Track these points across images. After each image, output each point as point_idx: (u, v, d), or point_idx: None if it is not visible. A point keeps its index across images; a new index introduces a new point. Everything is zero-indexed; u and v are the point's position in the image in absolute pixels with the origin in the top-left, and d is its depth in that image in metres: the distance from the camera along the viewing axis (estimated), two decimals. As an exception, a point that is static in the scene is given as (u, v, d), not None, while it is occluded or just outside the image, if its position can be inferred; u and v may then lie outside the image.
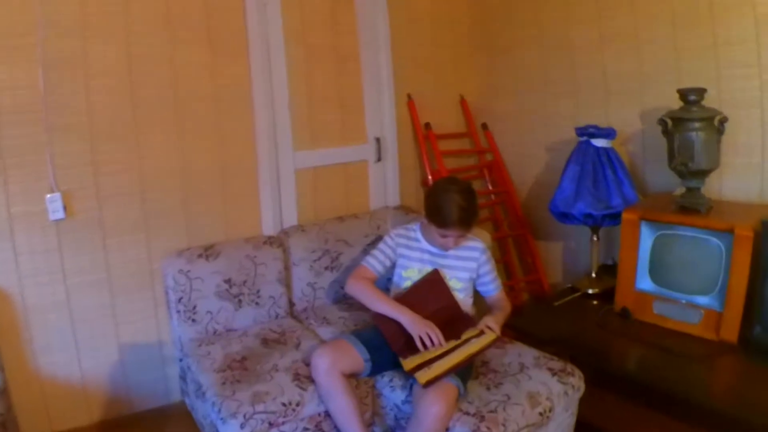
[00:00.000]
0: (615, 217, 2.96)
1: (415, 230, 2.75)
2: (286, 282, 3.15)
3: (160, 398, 3.12)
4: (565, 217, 3.10)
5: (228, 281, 2.96)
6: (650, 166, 3.19)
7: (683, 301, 2.64)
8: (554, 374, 2.52)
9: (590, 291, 3.16)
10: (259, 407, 2.38)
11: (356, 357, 2.50)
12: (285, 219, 3.31)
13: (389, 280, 2.83)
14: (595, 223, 3.05)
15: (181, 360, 2.94)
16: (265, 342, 2.85)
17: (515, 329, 2.97)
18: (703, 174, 2.66)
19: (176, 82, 2.93)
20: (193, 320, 2.90)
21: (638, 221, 2.72)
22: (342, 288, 3.22)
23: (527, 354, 2.68)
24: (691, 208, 2.65)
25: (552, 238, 3.82)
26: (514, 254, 4.08)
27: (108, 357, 2.95)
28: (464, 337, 2.46)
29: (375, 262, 2.72)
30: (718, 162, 2.66)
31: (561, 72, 3.57)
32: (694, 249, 2.59)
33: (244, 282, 3.00)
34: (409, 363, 2.39)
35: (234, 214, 3.16)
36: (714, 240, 2.52)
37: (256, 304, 3.05)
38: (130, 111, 2.84)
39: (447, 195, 2.50)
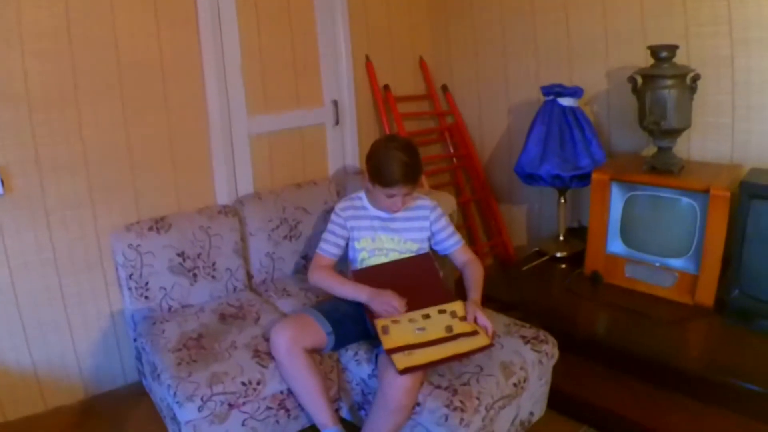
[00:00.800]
0: (583, 179, 2.88)
1: (360, 198, 2.65)
2: (244, 253, 3.01)
3: (117, 380, 2.97)
4: (531, 179, 3.02)
5: (181, 255, 2.80)
6: (616, 127, 3.13)
7: (656, 264, 2.59)
8: (527, 342, 2.44)
9: (558, 254, 3.10)
10: (218, 388, 2.27)
11: (318, 331, 2.39)
12: (240, 187, 3.16)
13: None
14: (563, 185, 2.97)
15: (135, 340, 2.78)
16: (222, 318, 2.72)
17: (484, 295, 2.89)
18: (675, 133, 2.59)
19: (119, 46, 2.71)
20: (146, 297, 2.75)
21: (608, 182, 2.65)
22: (302, 258, 3.12)
23: (497, 321, 2.58)
24: (663, 168, 2.59)
25: (515, 201, 3.75)
26: (477, 219, 4.01)
27: (59, 340, 2.78)
28: (456, 331, 2.29)
29: (329, 246, 2.61)
30: (690, 121, 2.59)
31: (522, 32, 3.47)
32: (667, 210, 2.53)
33: (199, 255, 2.85)
34: (389, 340, 2.24)
35: (186, 184, 2.99)
36: (688, 201, 2.46)
37: (213, 277, 2.90)
38: (71, 78, 2.62)
39: (388, 153, 2.40)
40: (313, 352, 2.42)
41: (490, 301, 2.81)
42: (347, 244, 2.64)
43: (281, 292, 2.94)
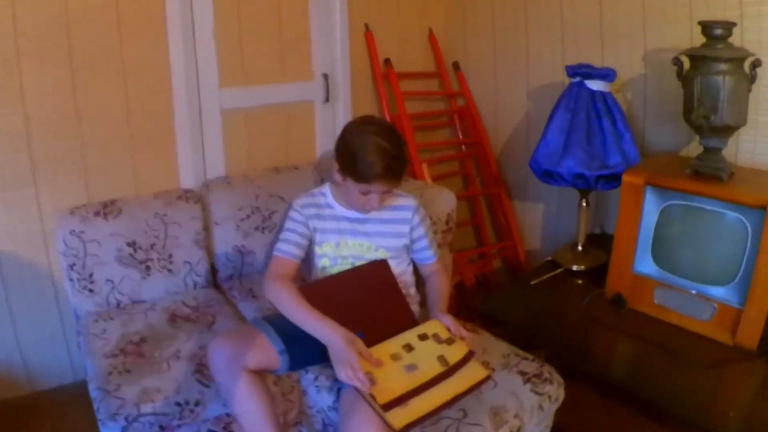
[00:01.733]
0: (612, 180, 2.41)
1: (324, 194, 2.18)
2: (207, 245, 2.62)
3: (65, 376, 2.68)
4: (549, 176, 2.55)
5: (132, 244, 2.42)
6: (652, 120, 2.67)
7: (692, 292, 2.13)
8: (527, 381, 2.01)
9: (575, 268, 2.65)
10: (146, 408, 1.92)
11: (267, 349, 1.95)
12: (210, 170, 2.76)
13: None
14: (586, 186, 2.50)
15: (79, 335, 2.42)
16: (172, 319, 2.36)
17: (480, 313, 2.46)
18: (727, 131, 2.11)
19: (66, 2, 2.33)
20: (91, 290, 2.38)
21: (643, 187, 2.17)
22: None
23: (494, 349, 2.17)
24: (710, 174, 2.11)
25: (530, 199, 3.31)
26: (486, 216, 3.57)
27: (1, 334, 2.50)
28: (451, 360, 1.86)
29: (289, 247, 2.11)
30: (745, 117, 2.11)
31: (548, 5, 3.01)
32: (712, 227, 2.07)
33: (152, 245, 2.46)
34: (380, 391, 1.75)
35: (145, 163, 2.60)
36: (737, 217, 2.00)
37: (169, 271, 2.51)
38: (11, 39, 2.26)
39: (366, 139, 1.92)
40: (262, 374, 2.01)
41: (490, 321, 2.40)
42: (308, 247, 2.18)
43: (246, 293, 2.57)
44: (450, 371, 1.82)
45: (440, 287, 2.15)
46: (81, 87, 2.40)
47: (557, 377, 2.06)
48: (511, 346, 2.18)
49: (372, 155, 1.89)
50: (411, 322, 2.01)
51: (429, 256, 2.21)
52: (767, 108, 2.26)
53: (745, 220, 1.97)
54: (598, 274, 2.50)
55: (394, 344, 1.91)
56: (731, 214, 2.01)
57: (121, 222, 2.40)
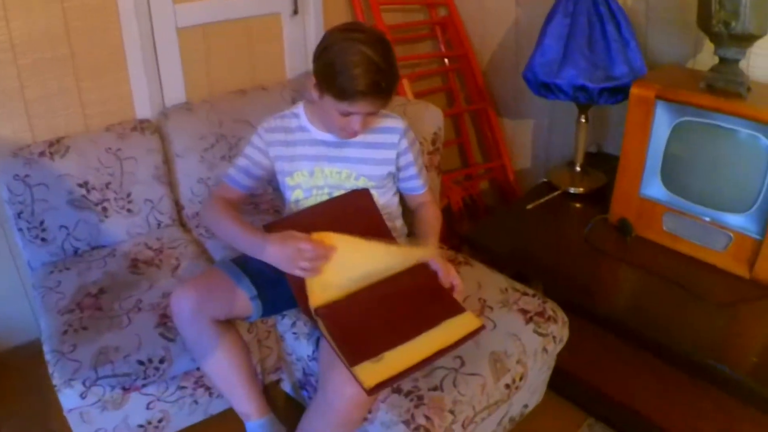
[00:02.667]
0: (617, 93, 2.16)
1: (296, 115, 1.89)
2: (169, 180, 2.38)
3: (29, 333, 2.48)
4: (546, 89, 2.29)
5: (84, 185, 2.18)
6: (656, 28, 2.38)
7: (706, 219, 1.92)
8: (529, 320, 1.84)
9: (573, 190, 2.43)
10: (104, 370, 1.76)
11: (237, 295, 1.76)
12: (169, 97, 2.48)
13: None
14: (588, 100, 2.24)
15: (34, 289, 2.22)
16: (134, 265, 2.16)
17: (471, 242, 2.26)
18: (748, 41, 1.83)
19: None
20: (43, 239, 2.17)
21: (653, 101, 1.92)
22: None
23: (490, 283, 1.98)
24: (727, 89, 1.85)
25: (519, 115, 3.05)
26: (472, 135, 3.32)
27: None
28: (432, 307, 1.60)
29: (238, 174, 1.87)
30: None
31: None
32: (729, 147, 1.84)
33: (108, 185, 2.23)
34: (314, 293, 1.58)
35: (94, 94, 2.31)
36: (758, 137, 1.76)
37: (129, 211, 2.29)
38: None
39: (349, 48, 1.60)
40: (234, 321, 1.83)
41: (481, 251, 2.19)
42: (266, 179, 1.94)
43: (215, 230, 2.33)
44: (426, 321, 1.55)
45: (430, 221, 1.90)
46: (11, 6, 2.08)
47: (561, 315, 1.88)
48: (508, 279, 2.00)
49: (356, 68, 1.56)
50: (454, 308, 1.69)
51: (418, 186, 1.96)
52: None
53: (767, 140, 1.75)
54: (598, 198, 2.29)
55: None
56: (751, 134, 1.78)
57: (69, 161, 2.16)
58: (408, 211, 2.01)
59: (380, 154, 1.86)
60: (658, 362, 1.88)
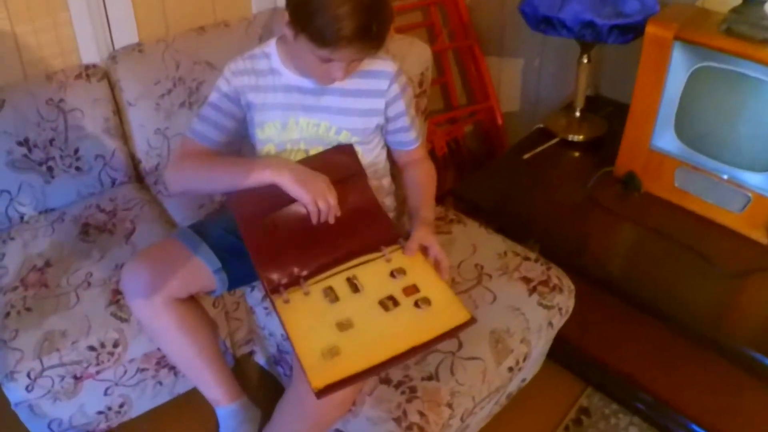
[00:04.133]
0: (627, 31, 1.92)
1: (267, 55, 1.59)
2: (122, 132, 2.14)
3: None
4: (546, 24, 2.03)
5: (25, 143, 1.94)
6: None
7: (723, 176, 1.72)
8: (533, 290, 1.65)
9: (572, 138, 2.21)
10: (51, 360, 1.58)
11: (198, 268, 1.55)
12: (119, 38, 2.18)
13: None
14: (595, 38, 1.99)
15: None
16: (84, 230, 1.95)
17: (461, 198, 2.05)
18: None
19: None
20: (-18, 208, 1.94)
21: (671, 42, 1.69)
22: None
23: (487, 245, 1.78)
24: (750, 33, 1.60)
25: (508, 53, 2.79)
26: (455, 75, 3.04)
27: None
28: (403, 302, 1.36)
29: (205, 127, 1.60)
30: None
31: None
32: (754, 98, 1.62)
33: (51, 141, 1.98)
34: (299, 338, 1.30)
35: (31, 38, 2.03)
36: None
37: (77, 170, 2.05)
38: None
39: None
40: (196, 297, 1.64)
41: (472, 208, 1.99)
42: (238, 131, 1.66)
43: (176, 186, 2.11)
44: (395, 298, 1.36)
45: (424, 185, 1.65)
46: None
47: (567, 283, 1.70)
48: (507, 240, 1.80)
49: (340, 7, 1.29)
50: (386, 234, 1.50)
51: (409, 140, 1.70)
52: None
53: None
54: (599, 147, 2.08)
55: (336, 276, 1.43)
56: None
57: (5, 117, 1.89)
58: (396, 168, 1.77)
59: (366, 104, 1.59)
60: (662, 330, 1.72)
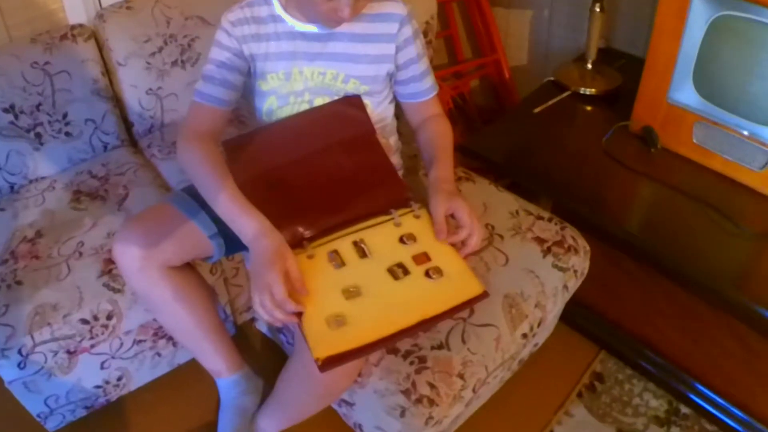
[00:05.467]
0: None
1: (267, 1, 1.44)
2: (113, 93, 2.04)
3: None
4: None
5: (11, 109, 1.85)
6: None
7: (744, 132, 1.61)
8: (547, 251, 1.56)
9: (584, 91, 2.10)
10: (42, 335, 1.52)
11: (193, 234, 1.46)
12: (106, -4, 2.10)
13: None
14: None
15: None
16: (76, 198, 1.88)
17: (470, 154, 1.95)
18: None
19: None
20: (-29, 179, 1.87)
21: (690, -10, 1.58)
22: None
23: (498, 204, 1.69)
24: None
25: (516, 4, 2.64)
26: (460, 26, 2.88)
27: None
28: (415, 273, 1.27)
29: (213, 88, 1.45)
30: None
31: None
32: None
33: (39, 106, 1.89)
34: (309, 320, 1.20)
35: None
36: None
37: (67, 135, 1.97)
38: None
39: None
40: (192, 264, 1.57)
41: (483, 164, 1.90)
42: (246, 86, 1.52)
43: (169, 149, 2.03)
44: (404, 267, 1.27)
45: (441, 138, 1.51)
46: None
47: (583, 243, 1.61)
48: (519, 199, 1.71)
49: None
50: (397, 196, 1.41)
51: (422, 91, 1.55)
52: None
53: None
54: (613, 101, 1.97)
55: (341, 240, 1.33)
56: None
57: (-11, 83, 1.81)
58: (406, 126, 1.64)
59: (375, 49, 1.46)
60: (679, 292, 1.64)
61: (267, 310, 1.17)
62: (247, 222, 1.29)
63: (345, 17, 1.31)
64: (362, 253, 1.30)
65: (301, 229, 1.33)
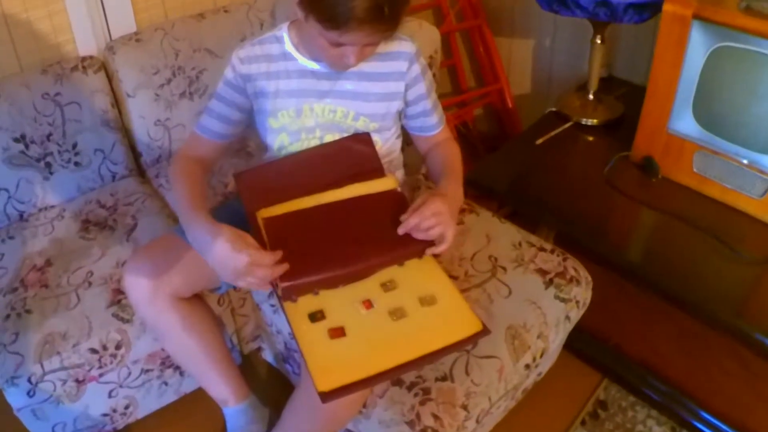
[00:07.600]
0: (643, 10, 1.83)
1: (279, 40, 1.48)
2: (121, 125, 2.08)
3: None
4: (560, 3, 1.94)
5: (21, 139, 1.88)
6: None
7: (743, 161, 1.65)
8: (549, 283, 1.58)
9: (586, 121, 2.14)
10: (51, 363, 1.53)
11: (201, 265, 1.41)
12: (116, 28, 2.12)
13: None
14: (610, 17, 1.91)
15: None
16: (85, 228, 1.90)
17: (473, 185, 1.98)
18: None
19: None
20: (-19, 206, 1.90)
21: (689, 20, 1.61)
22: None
23: (500, 235, 1.71)
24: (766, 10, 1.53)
25: (518, 33, 2.69)
26: (464, 56, 2.93)
27: None
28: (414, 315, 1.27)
29: (210, 122, 1.51)
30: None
31: None
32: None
33: (49, 136, 1.92)
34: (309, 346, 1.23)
35: (23, 28, 1.97)
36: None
37: (76, 164, 2.00)
38: None
39: None
40: (200, 294, 1.59)
41: (486, 194, 1.93)
42: (245, 121, 1.56)
43: (178, 179, 2.05)
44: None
45: (449, 157, 1.55)
46: None
47: (585, 274, 1.63)
48: (521, 230, 1.73)
49: None
50: (416, 246, 1.35)
51: (432, 125, 1.59)
52: None
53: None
54: (614, 130, 2.01)
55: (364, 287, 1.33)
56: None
57: (1, 112, 1.84)
58: (414, 155, 1.68)
59: (385, 87, 1.48)
60: (682, 320, 1.66)
61: (258, 278, 1.25)
62: (193, 222, 1.34)
63: (351, 64, 1.34)
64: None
65: (311, 279, 1.32)
